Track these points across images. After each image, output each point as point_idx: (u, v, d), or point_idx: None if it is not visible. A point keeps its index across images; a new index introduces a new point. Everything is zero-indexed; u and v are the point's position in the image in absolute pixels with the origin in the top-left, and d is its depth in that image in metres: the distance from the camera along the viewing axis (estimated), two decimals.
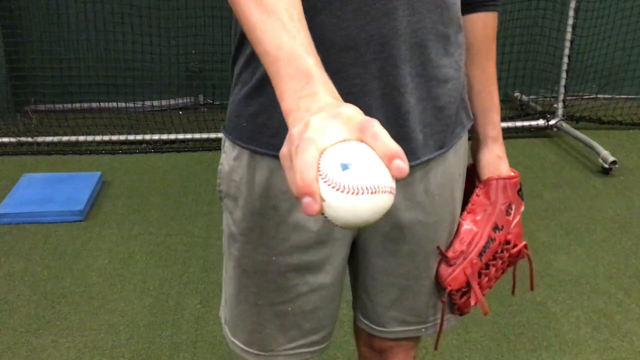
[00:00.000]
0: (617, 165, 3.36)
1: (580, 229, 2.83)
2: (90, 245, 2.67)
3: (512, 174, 1.11)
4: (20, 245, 2.66)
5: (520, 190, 1.11)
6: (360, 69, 0.87)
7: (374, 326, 1.12)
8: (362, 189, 0.52)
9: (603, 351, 2.07)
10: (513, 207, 1.09)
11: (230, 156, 0.99)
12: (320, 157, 0.54)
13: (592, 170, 3.44)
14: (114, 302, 2.31)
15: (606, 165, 3.36)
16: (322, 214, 0.54)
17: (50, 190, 3.02)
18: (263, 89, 0.91)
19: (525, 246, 1.12)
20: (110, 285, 2.40)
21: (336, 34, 0.85)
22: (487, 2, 1.04)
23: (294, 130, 0.57)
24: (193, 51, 4.03)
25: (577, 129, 3.83)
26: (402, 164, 0.53)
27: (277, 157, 0.89)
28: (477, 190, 1.10)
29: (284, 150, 0.57)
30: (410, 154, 0.93)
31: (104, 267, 2.52)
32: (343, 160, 0.53)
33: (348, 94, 0.84)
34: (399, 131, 0.92)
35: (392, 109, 0.90)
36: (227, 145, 1.00)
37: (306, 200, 0.52)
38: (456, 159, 1.03)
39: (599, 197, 3.14)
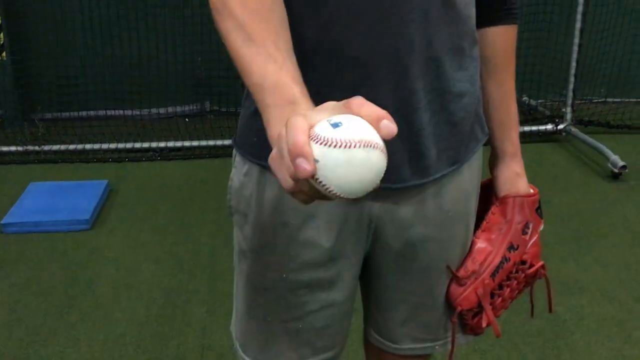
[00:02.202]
0: (626, 170, 3.33)
1: (590, 235, 2.80)
2: (97, 254, 2.67)
3: (531, 191, 1.08)
4: (27, 255, 2.66)
5: (539, 208, 1.08)
6: (374, 84, 0.86)
7: (386, 342, 1.10)
8: (354, 142, 0.53)
9: (614, 359, 2.05)
10: (530, 226, 1.06)
11: (240, 172, 0.98)
12: (310, 130, 0.55)
13: (601, 175, 3.41)
14: (120, 311, 2.30)
15: (616, 170, 3.33)
16: (317, 179, 0.53)
17: (57, 199, 3.02)
18: None
19: (542, 266, 1.08)
20: (116, 295, 2.39)
21: (349, 48, 0.84)
22: (506, 15, 1.02)
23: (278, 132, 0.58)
24: (199, 58, 4.04)
25: (586, 133, 3.80)
26: (390, 124, 0.54)
27: None
28: (493, 208, 1.06)
29: (272, 153, 0.58)
30: (424, 170, 0.92)
31: (111, 276, 2.51)
32: (333, 121, 0.54)
33: None
34: (412, 148, 0.90)
35: (406, 124, 0.88)
36: (237, 160, 0.99)
37: (299, 161, 0.52)
38: (470, 174, 1.00)
39: (608, 202, 3.11)
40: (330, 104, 0.58)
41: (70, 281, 2.48)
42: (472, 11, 0.93)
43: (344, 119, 0.54)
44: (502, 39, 1.02)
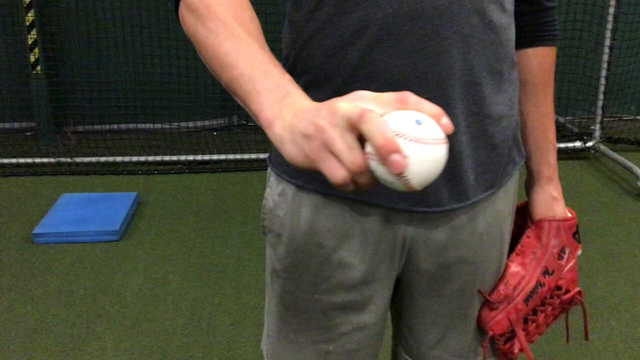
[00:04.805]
0: None
1: (619, 254, 2.76)
2: (125, 265, 2.71)
3: (569, 214, 1.05)
4: (57, 265, 2.71)
5: (577, 232, 1.05)
6: None
7: None
8: (435, 139, 0.57)
9: None
10: (567, 250, 1.03)
11: (275, 191, 0.97)
12: None
13: (630, 193, 3.37)
14: (147, 322, 2.33)
15: None
16: (401, 174, 0.56)
17: (88, 210, 3.08)
18: None
19: (579, 292, 1.06)
20: (144, 305, 2.43)
21: (389, 72, 0.83)
22: (545, 36, 1.01)
23: (315, 120, 0.58)
24: None
25: (615, 151, 3.76)
26: (448, 122, 0.57)
27: (322, 194, 0.92)
28: (528, 231, 1.04)
29: (308, 148, 0.58)
30: (461, 194, 0.91)
31: (138, 287, 2.55)
32: (415, 118, 0.57)
33: None
34: (450, 171, 0.88)
35: None
36: (272, 179, 0.99)
37: (394, 157, 0.54)
38: (506, 197, 0.99)
39: (638, 221, 3.07)
40: (366, 95, 0.58)
41: (98, 291, 2.52)
42: (511, 34, 0.92)
43: (421, 117, 0.57)
44: (540, 61, 1.01)
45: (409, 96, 0.57)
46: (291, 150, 0.61)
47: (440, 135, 0.57)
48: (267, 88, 0.66)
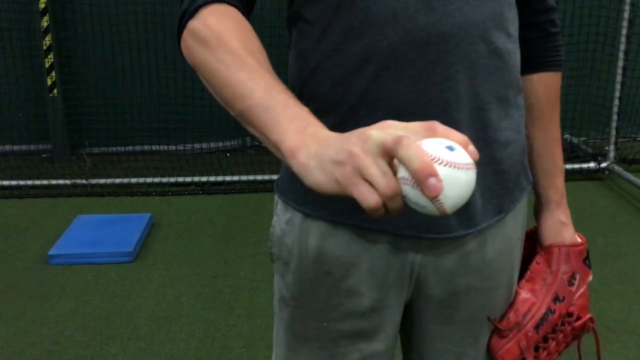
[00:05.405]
0: None
1: (635, 276, 2.73)
2: (139, 287, 2.72)
3: (579, 239, 1.04)
4: (71, 286, 2.73)
5: (587, 258, 1.04)
6: None
7: None
8: (467, 165, 0.59)
9: None
10: (577, 276, 1.02)
11: (282, 219, 0.97)
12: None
13: None
14: (160, 344, 2.33)
15: None
16: (436, 198, 0.58)
17: (102, 231, 3.10)
18: None
19: (590, 319, 1.03)
20: (157, 327, 2.43)
21: (395, 99, 0.84)
22: (550, 62, 1.01)
23: (347, 147, 0.60)
24: None
25: (629, 171, 3.73)
26: (474, 149, 0.59)
27: (330, 222, 0.92)
28: (537, 257, 1.03)
29: (344, 170, 0.60)
30: (470, 220, 0.91)
31: (152, 309, 2.55)
32: (447, 144, 0.59)
33: None
34: None
35: None
36: (279, 207, 0.98)
37: (432, 181, 0.56)
38: (515, 222, 0.98)
39: None
40: (395, 124, 0.60)
41: (112, 312, 2.53)
42: (517, 59, 0.92)
43: (451, 143, 0.59)
44: (546, 86, 1.01)
45: (437, 125, 0.60)
46: (319, 177, 0.62)
47: (470, 160, 0.59)
48: (287, 118, 0.67)
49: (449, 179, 0.58)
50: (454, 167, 0.58)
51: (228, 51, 0.75)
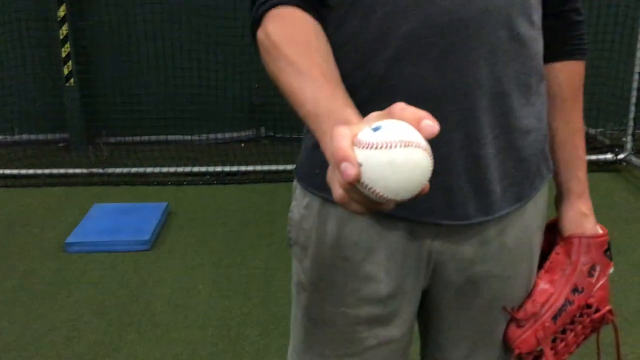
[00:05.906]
0: None
1: None
2: (156, 275, 2.74)
3: (600, 231, 1.03)
4: (89, 274, 2.75)
5: (608, 249, 1.03)
6: (440, 119, 0.85)
7: None
8: (394, 142, 0.54)
9: None
10: (597, 268, 1.01)
11: (301, 204, 0.98)
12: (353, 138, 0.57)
13: None
14: (177, 331, 2.35)
15: None
16: (364, 184, 0.55)
17: (119, 220, 3.13)
18: None
19: (610, 311, 1.03)
20: (173, 315, 2.45)
21: (416, 83, 0.83)
22: (574, 50, 1.00)
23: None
24: (256, 85, 4.13)
25: None
26: (431, 122, 0.56)
27: None
28: (557, 248, 1.02)
29: (328, 170, 0.62)
30: (488, 207, 0.91)
31: (168, 297, 2.58)
32: (373, 125, 0.55)
33: None
34: (477, 184, 0.88)
35: (472, 160, 0.87)
36: (298, 192, 0.99)
37: (343, 165, 0.54)
38: (535, 211, 0.98)
39: None
40: (373, 114, 0.60)
41: (129, 300, 2.55)
42: (539, 47, 0.92)
43: (384, 122, 0.56)
44: (568, 75, 1.00)
45: (394, 106, 0.58)
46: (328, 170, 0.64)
47: (406, 138, 0.54)
48: (331, 126, 0.68)
49: (367, 161, 0.54)
50: (372, 147, 0.54)
51: (284, 60, 0.78)
